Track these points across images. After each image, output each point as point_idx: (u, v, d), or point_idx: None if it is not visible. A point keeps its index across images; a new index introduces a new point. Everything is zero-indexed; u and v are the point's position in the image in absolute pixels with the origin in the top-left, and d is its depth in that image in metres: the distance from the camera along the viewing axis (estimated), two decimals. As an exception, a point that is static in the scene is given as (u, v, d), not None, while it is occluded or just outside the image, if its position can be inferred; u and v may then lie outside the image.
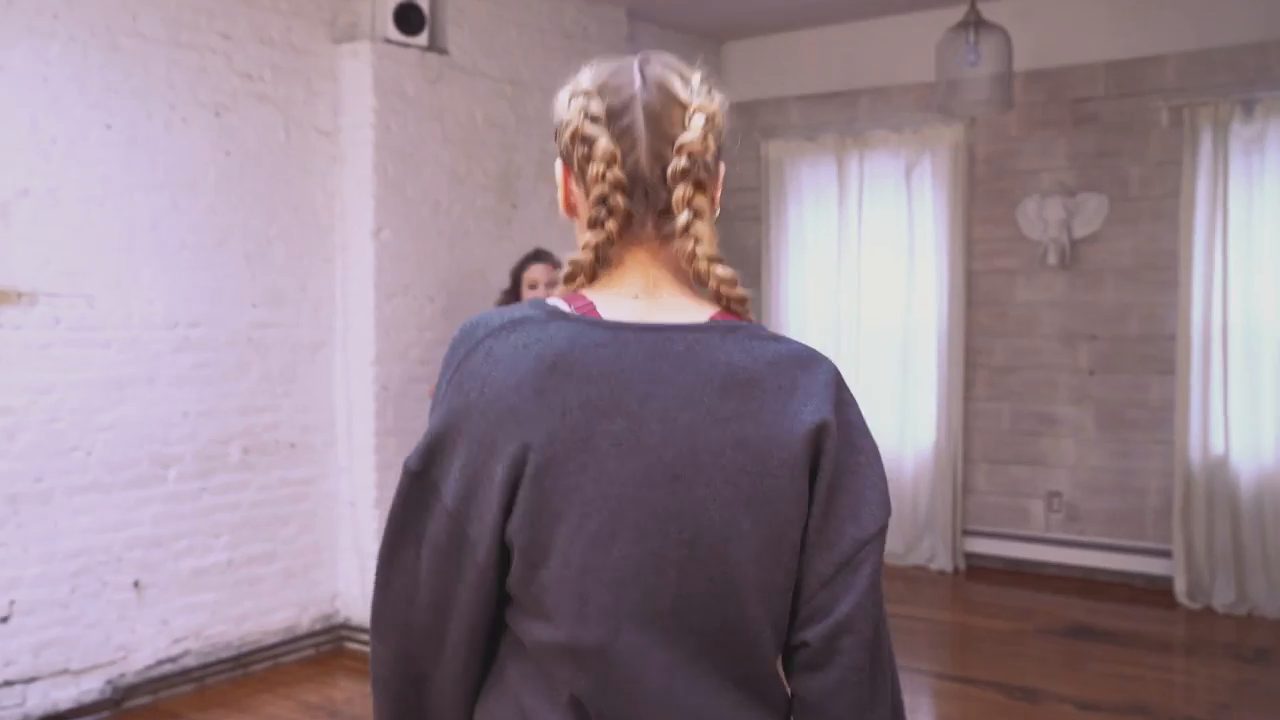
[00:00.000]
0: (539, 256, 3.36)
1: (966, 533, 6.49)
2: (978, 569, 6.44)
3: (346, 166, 5.01)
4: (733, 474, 1.10)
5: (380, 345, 4.92)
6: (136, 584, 4.36)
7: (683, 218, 1.17)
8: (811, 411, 1.13)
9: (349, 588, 5.05)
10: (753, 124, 7.23)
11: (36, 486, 4.07)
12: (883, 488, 1.16)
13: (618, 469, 1.10)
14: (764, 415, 1.12)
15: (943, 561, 6.42)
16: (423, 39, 5.11)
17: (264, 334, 4.75)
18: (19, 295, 4.01)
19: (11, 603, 3.99)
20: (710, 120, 1.18)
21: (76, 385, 4.17)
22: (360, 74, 4.93)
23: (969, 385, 6.49)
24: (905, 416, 6.64)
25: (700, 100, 1.19)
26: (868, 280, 6.76)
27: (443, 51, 5.25)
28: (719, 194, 1.22)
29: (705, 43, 7.21)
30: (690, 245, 1.18)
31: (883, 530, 1.15)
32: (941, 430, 6.48)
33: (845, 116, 6.91)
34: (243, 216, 4.68)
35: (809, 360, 1.17)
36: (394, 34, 5.00)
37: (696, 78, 1.21)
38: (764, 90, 7.21)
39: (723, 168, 1.22)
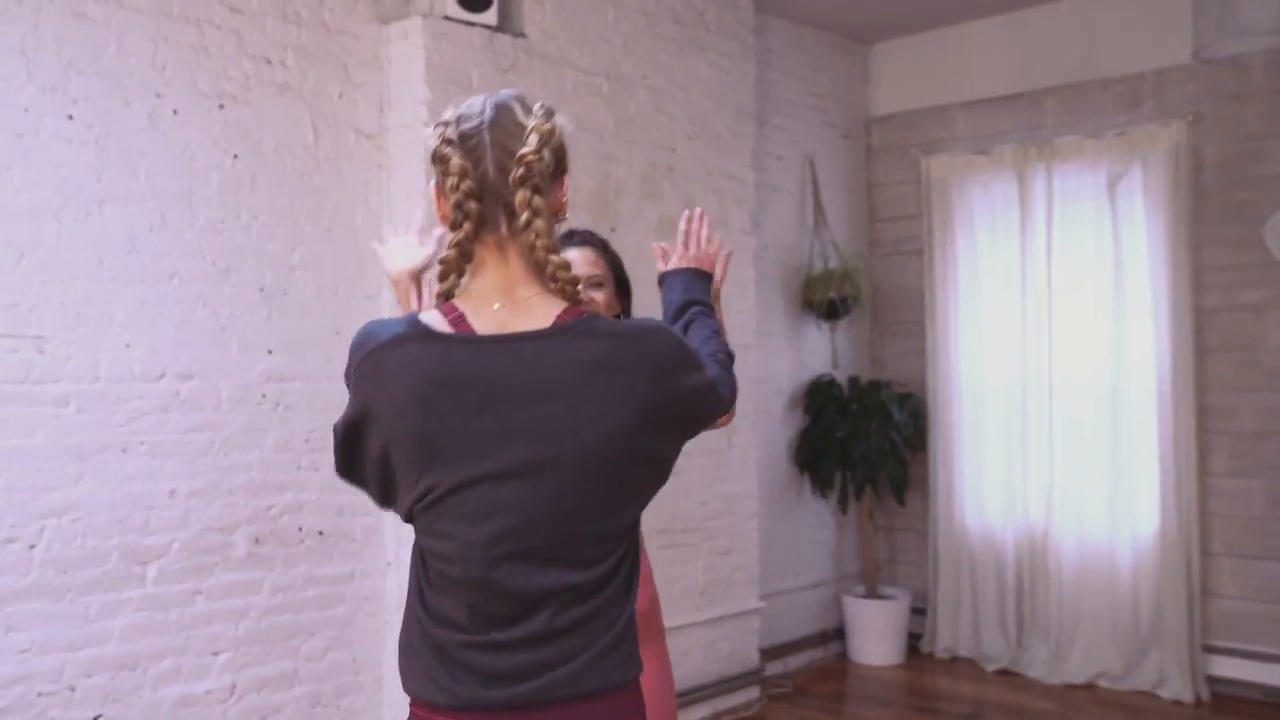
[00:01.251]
0: (574, 238, 2.31)
1: (1208, 650, 4.97)
2: (1227, 698, 4.90)
3: (394, 176, 3.95)
4: (584, 447, 1.45)
5: (435, 404, 3.78)
6: (99, 720, 3.27)
7: (524, 216, 1.47)
8: (641, 385, 1.47)
9: (397, 717, 3.88)
10: (910, 139, 5.96)
11: (-45, 591, 3.03)
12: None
13: (494, 456, 1.45)
14: (597, 398, 1.45)
15: (1177, 687, 4.90)
16: (491, 17, 4.05)
17: (283, 390, 3.67)
18: None
19: (-87, 751, 2.94)
20: (544, 137, 1.50)
21: (16, 455, 3.14)
22: (411, 59, 3.89)
23: (1204, 456, 5.01)
24: (1118, 496, 5.20)
25: (536, 121, 1.51)
26: (1061, 325, 5.38)
27: (518, 34, 4.18)
28: (564, 199, 1.56)
29: (850, 45, 6.00)
30: (531, 238, 1.48)
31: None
32: (1168, 515, 5.01)
33: (1027, 123, 5.59)
34: (255, 238, 3.63)
35: (631, 340, 1.48)
36: (455, 10, 3.96)
37: (537, 105, 1.55)
38: (922, 98, 5.95)
39: (566, 180, 1.56)
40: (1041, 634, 5.39)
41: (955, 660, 5.66)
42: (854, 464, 5.58)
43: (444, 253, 1.51)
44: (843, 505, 5.72)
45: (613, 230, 4.44)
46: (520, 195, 1.46)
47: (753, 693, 5.03)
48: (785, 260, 5.62)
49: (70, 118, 3.25)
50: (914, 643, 5.79)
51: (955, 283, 5.75)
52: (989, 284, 5.66)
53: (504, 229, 1.49)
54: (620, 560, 1.53)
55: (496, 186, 1.48)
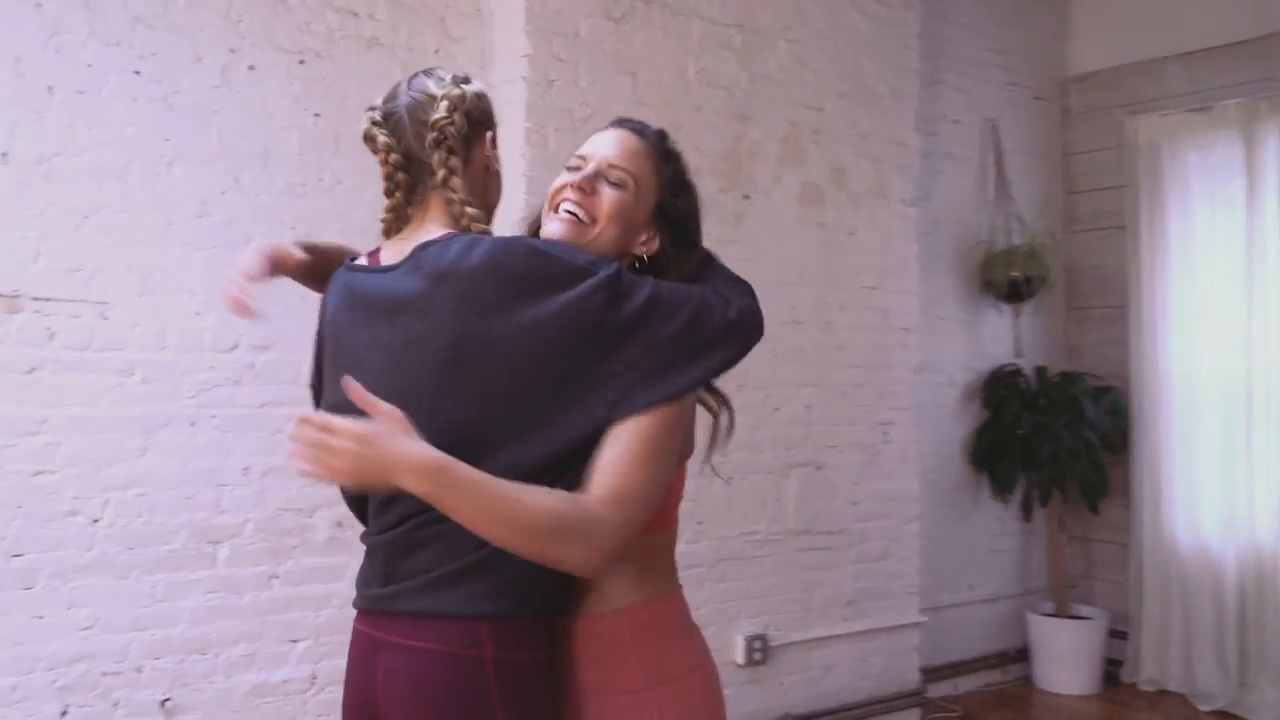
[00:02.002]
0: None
1: None
2: None
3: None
4: (410, 385, 1.50)
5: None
6: (165, 704, 3.12)
7: (440, 174, 1.61)
8: (446, 325, 1.49)
9: None
10: (1113, 99, 5.24)
11: (11, 564, 2.92)
12: None
13: (371, 364, 1.54)
14: (413, 339, 1.51)
15: None
16: (602, -39, 3.71)
17: None
18: (-6, 298, 2.91)
19: (-33, 727, 2.85)
20: (454, 102, 1.63)
21: (78, 424, 3.01)
22: (513, 11, 3.58)
23: None
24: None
25: (444, 90, 1.65)
26: (1295, 307, 4.57)
27: (635, -20, 3.81)
28: (487, 154, 1.70)
29: (1044, -7, 5.33)
30: (449, 194, 1.61)
31: None
32: None
33: (1257, 73, 4.80)
34: (339, 202, 3.41)
35: (448, 279, 1.50)
36: (562, -44, 3.63)
37: (448, 77, 1.68)
38: (1129, 50, 5.22)
39: (488, 138, 1.70)
40: (1273, 674, 4.58)
41: (1162, 694, 4.92)
42: (1039, 465, 4.93)
43: (383, 216, 1.67)
44: (1026, 511, 5.07)
45: (746, 198, 4.02)
46: (436, 157, 1.61)
47: (912, 716, 4.49)
48: (960, 236, 5.02)
49: (137, 73, 3.11)
50: (1112, 670, 5.08)
51: (1165, 262, 5.00)
52: (1206, 263, 4.89)
53: (430, 189, 1.63)
54: None
55: (418, 154, 1.62)
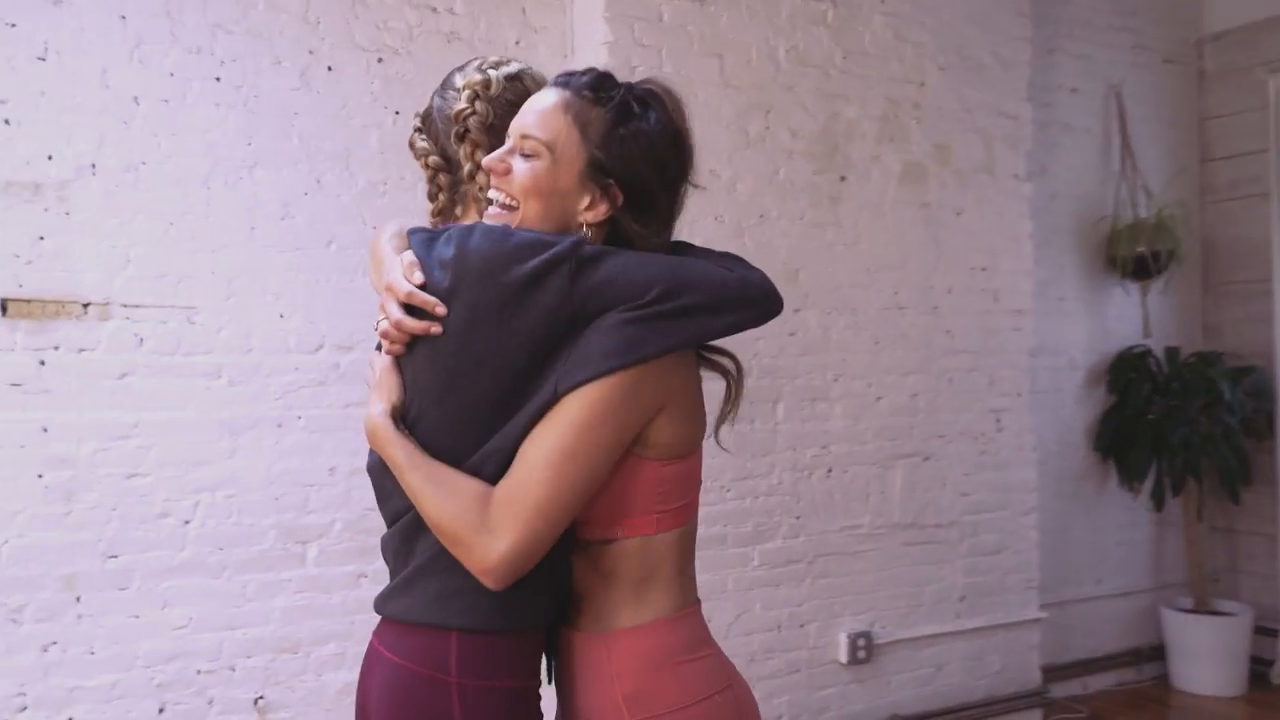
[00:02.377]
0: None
1: None
2: None
3: None
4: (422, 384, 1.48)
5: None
6: (258, 703, 3.16)
7: (466, 168, 1.57)
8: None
9: (589, 721, 3.53)
10: (1254, 57, 4.88)
11: (107, 565, 3.00)
12: None
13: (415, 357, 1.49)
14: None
15: None
16: (684, -59, 3.60)
17: None
18: (84, 307, 2.98)
19: (70, 723, 2.93)
20: (476, 90, 1.57)
21: (167, 428, 3.07)
22: None
23: None
24: None
25: (466, 79, 1.59)
26: None
27: (719, -41, 3.69)
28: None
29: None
30: (475, 189, 1.57)
31: None
32: None
33: None
34: (421, 200, 3.36)
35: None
36: (643, -62, 3.53)
37: (473, 64, 1.62)
38: (1269, 5, 4.84)
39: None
40: None
41: (1315, 697, 4.59)
42: (1172, 452, 4.64)
43: (430, 221, 1.67)
44: (1157, 501, 4.78)
45: (842, 180, 3.86)
46: (462, 151, 1.58)
47: (1034, 717, 4.28)
48: (1081, 211, 4.75)
49: (218, 80, 3.14)
50: (1259, 670, 4.75)
51: (1311, 231, 4.63)
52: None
53: (465, 186, 1.60)
54: None
55: (452, 153, 1.60)
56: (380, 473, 1.49)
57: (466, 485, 1.37)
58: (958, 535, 4.10)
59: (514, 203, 1.47)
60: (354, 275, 3.30)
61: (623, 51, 3.48)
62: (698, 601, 1.52)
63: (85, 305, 2.99)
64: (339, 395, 3.28)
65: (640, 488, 1.43)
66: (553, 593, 1.46)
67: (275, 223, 3.20)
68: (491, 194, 1.50)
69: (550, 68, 3.38)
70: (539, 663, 1.49)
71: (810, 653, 3.79)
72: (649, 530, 1.45)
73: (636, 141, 1.45)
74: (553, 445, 1.36)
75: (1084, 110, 4.76)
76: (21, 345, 2.91)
